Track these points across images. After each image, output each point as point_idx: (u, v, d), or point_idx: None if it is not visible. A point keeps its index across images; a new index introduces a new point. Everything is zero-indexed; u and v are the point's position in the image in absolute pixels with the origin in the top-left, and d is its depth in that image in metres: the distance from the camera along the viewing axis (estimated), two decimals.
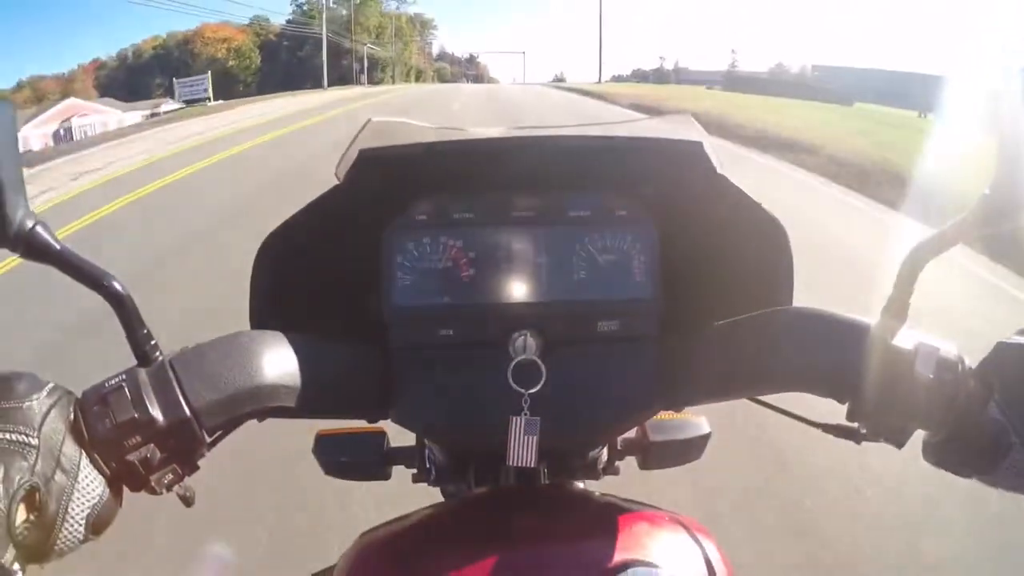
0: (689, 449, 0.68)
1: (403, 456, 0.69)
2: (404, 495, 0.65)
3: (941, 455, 0.40)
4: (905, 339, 0.41)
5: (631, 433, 0.67)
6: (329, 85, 35.36)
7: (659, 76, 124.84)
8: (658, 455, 0.68)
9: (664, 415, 0.66)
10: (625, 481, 0.67)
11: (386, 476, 0.69)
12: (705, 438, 0.67)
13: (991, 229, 0.38)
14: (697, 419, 0.68)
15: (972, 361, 0.39)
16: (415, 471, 0.68)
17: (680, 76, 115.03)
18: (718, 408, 0.51)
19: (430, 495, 0.66)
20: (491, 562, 0.42)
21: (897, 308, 0.42)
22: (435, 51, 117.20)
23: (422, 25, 70.53)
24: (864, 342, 0.42)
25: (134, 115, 23.90)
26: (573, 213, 0.56)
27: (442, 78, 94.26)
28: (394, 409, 0.51)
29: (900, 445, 0.42)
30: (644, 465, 0.69)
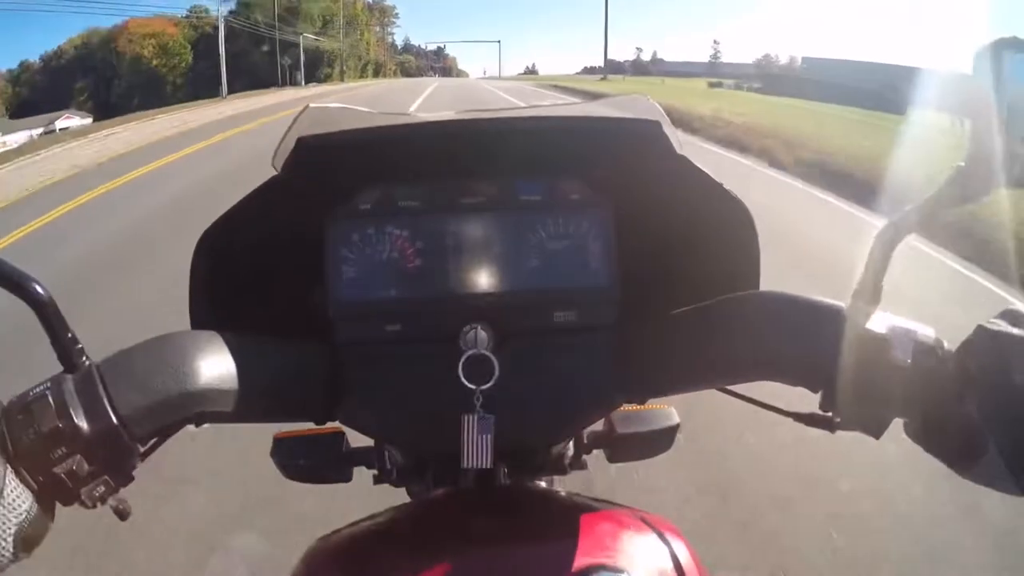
0: (657, 440, 0.66)
1: (363, 457, 0.66)
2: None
3: (920, 439, 0.39)
4: (879, 323, 0.39)
5: (598, 426, 0.65)
6: (254, 88, 29.01)
7: (637, 68, 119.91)
8: (626, 448, 0.66)
9: (630, 407, 0.62)
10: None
11: (347, 478, 0.67)
12: (674, 429, 0.66)
13: (964, 202, 0.37)
14: (665, 410, 0.67)
15: (951, 344, 0.38)
16: (376, 472, 0.66)
17: (659, 67, 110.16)
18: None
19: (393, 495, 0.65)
20: (446, 569, 0.41)
21: (869, 290, 0.40)
22: (399, 43, 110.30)
23: (381, 13, 63.33)
24: (835, 327, 0.40)
25: (19, 136, 17.40)
26: (524, 198, 0.54)
27: (406, 72, 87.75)
28: (341, 410, 0.49)
29: (877, 435, 0.40)
30: (612, 458, 0.67)
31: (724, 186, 0.53)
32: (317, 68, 40.82)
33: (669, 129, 0.51)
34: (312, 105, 0.54)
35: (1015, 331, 0.35)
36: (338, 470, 0.66)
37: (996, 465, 0.35)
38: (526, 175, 0.54)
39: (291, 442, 0.66)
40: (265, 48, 35.44)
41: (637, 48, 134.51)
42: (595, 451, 0.67)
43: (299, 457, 0.65)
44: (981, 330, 0.36)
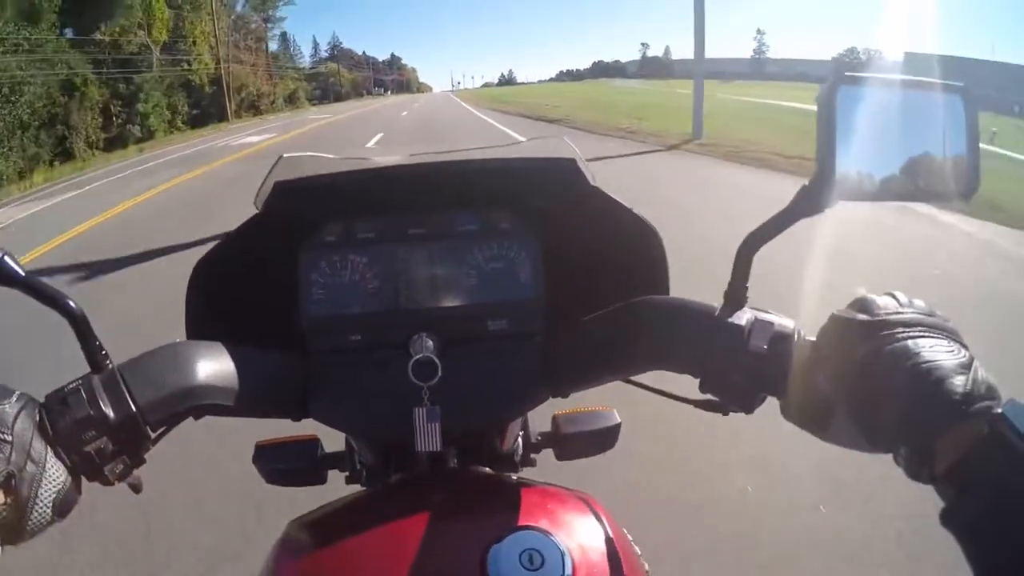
0: (601, 439, 0.77)
1: (335, 460, 0.79)
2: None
3: (789, 414, 0.48)
4: (741, 317, 0.49)
5: (545, 427, 0.80)
6: None
7: (646, 68, 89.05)
8: (572, 446, 0.78)
9: (576, 409, 0.78)
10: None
11: (322, 480, 0.79)
12: (616, 428, 0.77)
13: (809, 215, 0.46)
14: (607, 411, 0.79)
15: (812, 333, 0.47)
16: (347, 474, 0.80)
17: (683, 68, 77.79)
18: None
19: None
20: (394, 537, 0.50)
21: (736, 292, 0.50)
22: (323, 47, 79.42)
23: None
24: (706, 323, 0.50)
25: None
26: (461, 228, 0.66)
27: (331, 94, 56.51)
28: (314, 407, 0.60)
29: (748, 411, 0.50)
30: (560, 456, 0.80)
31: (634, 211, 0.67)
32: None
33: (583, 164, 0.65)
34: (286, 155, 0.66)
35: (860, 316, 0.43)
36: (313, 473, 0.78)
37: (845, 428, 0.43)
38: (463, 208, 0.67)
39: (271, 449, 0.76)
40: None
41: (643, 44, 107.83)
42: (544, 450, 0.80)
43: (278, 462, 0.76)
44: (833, 317, 0.44)
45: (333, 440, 0.74)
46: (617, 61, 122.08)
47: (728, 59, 73.38)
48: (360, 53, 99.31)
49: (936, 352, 0.39)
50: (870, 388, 0.40)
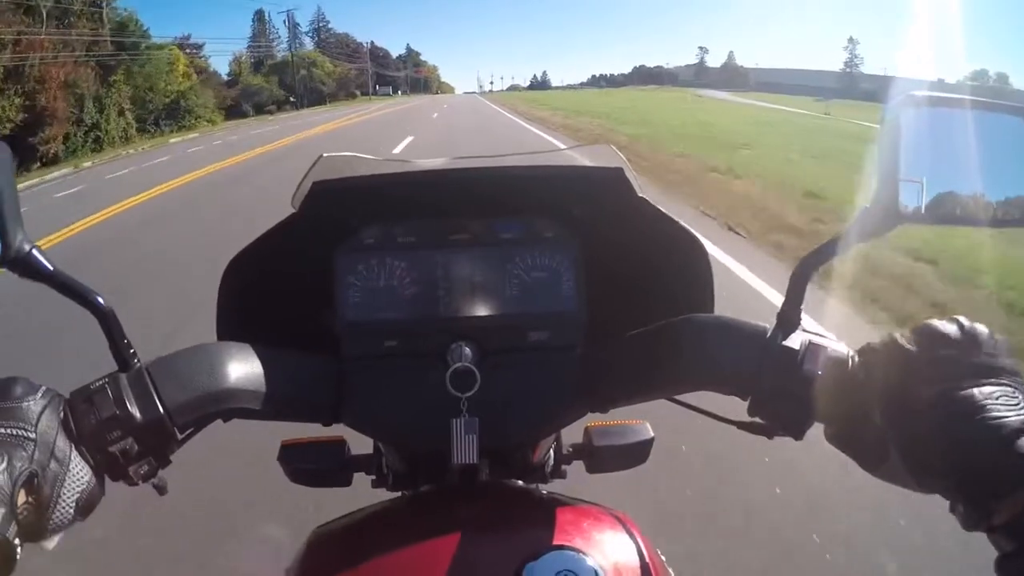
0: (633, 453, 0.78)
1: (362, 463, 0.80)
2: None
3: (836, 441, 0.48)
4: (795, 340, 0.49)
5: (577, 439, 0.82)
6: None
7: (728, 76, 73.38)
8: (603, 459, 0.78)
9: (609, 421, 0.77)
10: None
11: (347, 482, 0.80)
12: (648, 443, 0.78)
13: (868, 239, 0.46)
14: (640, 425, 0.79)
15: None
16: (374, 477, 0.82)
17: (759, 77, 62.70)
18: None
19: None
20: (425, 550, 0.52)
21: (790, 313, 0.50)
22: (306, 34, 64.57)
23: None
24: (758, 344, 0.51)
25: None
26: (504, 235, 0.67)
27: (306, 95, 42.55)
28: (346, 413, 0.62)
29: (798, 437, 0.51)
30: (590, 469, 0.81)
31: (680, 223, 0.68)
32: None
33: (631, 174, 0.64)
34: (326, 154, 0.67)
35: (923, 352, 0.42)
36: (339, 475, 0.78)
37: (899, 469, 0.42)
38: (506, 215, 0.67)
39: (297, 448, 0.76)
40: None
41: (700, 48, 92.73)
42: (575, 462, 0.82)
43: (304, 462, 0.76)
44: (894, 343, 0.43)
45: (359, 441, 0.73)
46: (659, 66, 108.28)
47: (811, 71, 58.72)
48: (366, 43, 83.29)
49: (1001, 407, 0.39)
50: (931, 438, 0.40)
